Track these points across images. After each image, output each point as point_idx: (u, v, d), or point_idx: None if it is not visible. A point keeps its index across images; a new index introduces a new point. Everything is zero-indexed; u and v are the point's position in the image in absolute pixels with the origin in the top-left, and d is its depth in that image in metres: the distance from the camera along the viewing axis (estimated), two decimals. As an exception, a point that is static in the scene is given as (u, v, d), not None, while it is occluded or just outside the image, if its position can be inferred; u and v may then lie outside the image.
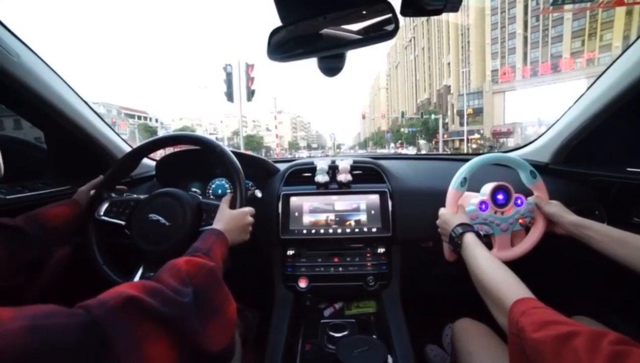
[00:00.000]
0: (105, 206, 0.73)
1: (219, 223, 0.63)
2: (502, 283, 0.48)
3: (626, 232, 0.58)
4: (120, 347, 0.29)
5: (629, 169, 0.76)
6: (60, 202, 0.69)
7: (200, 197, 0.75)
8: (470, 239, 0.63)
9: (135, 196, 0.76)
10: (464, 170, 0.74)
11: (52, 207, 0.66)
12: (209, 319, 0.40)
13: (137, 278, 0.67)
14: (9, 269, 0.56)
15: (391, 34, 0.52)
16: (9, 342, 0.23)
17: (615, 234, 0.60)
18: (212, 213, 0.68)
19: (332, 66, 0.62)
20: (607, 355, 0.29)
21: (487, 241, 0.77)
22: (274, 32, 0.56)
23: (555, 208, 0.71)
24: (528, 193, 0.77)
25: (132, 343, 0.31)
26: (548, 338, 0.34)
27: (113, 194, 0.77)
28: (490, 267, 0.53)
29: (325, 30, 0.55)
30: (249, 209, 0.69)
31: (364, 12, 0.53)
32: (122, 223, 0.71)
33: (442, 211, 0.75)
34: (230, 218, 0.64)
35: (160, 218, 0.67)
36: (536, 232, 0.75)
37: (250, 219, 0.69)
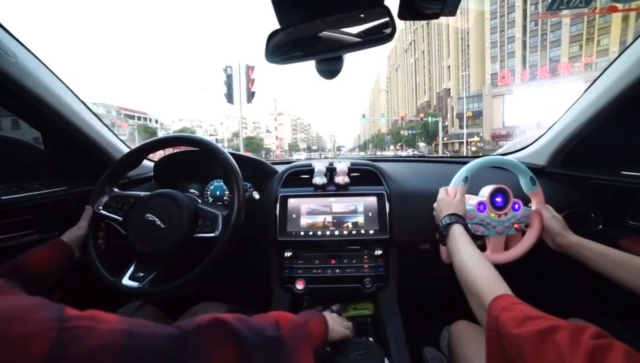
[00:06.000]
0: (105, 199, 0.73)
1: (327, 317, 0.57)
2: (482, 278, 0.48)
3: (626, 254, 0.58)
4: (194, 359, 0.32)
5: (623, 172, 0.76)
6: (45, 244, 0.62)
7: (199, 201, 0.74)
8: (457, 230, 0.62)
9: (135, 192, 0.76)
10: (465, 170, 0.74)
11: (35, 252, 0.60)
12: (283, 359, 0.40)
13: (127, 276, 0.66)
14: None
15: (388, 38, 0.52)
16: (114, 340, 0.28)
17: (614, 255, 0.59)
18: (209, 220, 0.67)
19: (330, 68, 0.63)
20: (588, 349, 0.29)
21: (482, 242, 0.77)
22: (272, 35, 0.56)
23: (556, 224, 0.70)
24: (525, 197, 0.78)
25: (206, 359, 0.33)
26: (529, 333, 0.34)
27: (115, 189, 0.77)
28: (472, 261, 0.53)
29: (323, 33, 0.56)
30: (349, 325, 0.64)
31: (362, 15, 0.54)
32: (120, 218, 0.71)
33: (441, 194, 0.73)
34: (333, 316, 0.61)
35: (157, 219, 0.67)
36: (530, 237, 0.74)
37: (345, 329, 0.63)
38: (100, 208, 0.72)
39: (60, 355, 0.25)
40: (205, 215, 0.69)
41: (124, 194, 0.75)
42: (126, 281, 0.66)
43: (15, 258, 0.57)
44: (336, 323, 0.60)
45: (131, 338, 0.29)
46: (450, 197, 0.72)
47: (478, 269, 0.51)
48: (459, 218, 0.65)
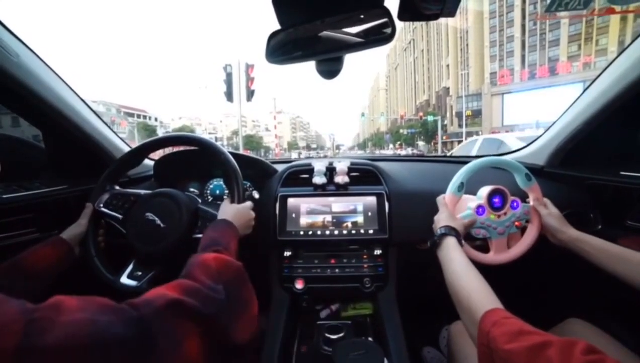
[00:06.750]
0: (105, 197, 0.74)
1: (226, 215, 0.63)
2: (474, 292, 0.48)
3: (625, 249, 0.58)
4: (165, 344, 0.33)
5: (622, 172, 0.77)
6: (45, 242, 0.62)
7: (199, 200, 0.74)
8: (450, 242, 0.62)
9: (136, 191, 0.76)
10: (460, 175, 0.75)
11: (35, 250, 0.60)
12: (239, 314, 0.43)
13: (125, 274, 0.67)
14: None
15: (388, 39, 0.53)
16: (76, 332, 0.28)
17: (613, 250, 0.59)
18: (208, 221, 0.68)
19: (330, 68, 0.63)
20: None
21: (484, 244, 0.78)
22: (273, 35, 0.56)
23: (554, 221, 0.71)
24: (523, 195, 0.78)
25: (174, 341, 0.34)
26: (521, 349, 0.34)
27: (116, 187, 0.77)
28: (464, 273, 0.53)
29: (324, 34, 0.56)
30: (249, 203, 0.72)
31: (362, 16, 0.54)
32: (119, 216, 0.71)
33: (442, 207, 0.74)
34: (236, 211, 0.66)
35: (156, 218, 0.67)
36: (531, 234, 0.75)
37: (253, 214, 0.71)
38: (101, 205, 0.73)
39: (29, 347, 0.25)
40: (205, 216, 0.69)
41: (125, 192, 0.76)
42: (124, 279, 0.66)
43: (15, 257, 0.57)
44: (241, 228, 0.65)
45: (94, 327, 0.29)
46: (449, 208, 0.72)
47: (469, 282, 0.50)
48: (452, 230, 0.65)
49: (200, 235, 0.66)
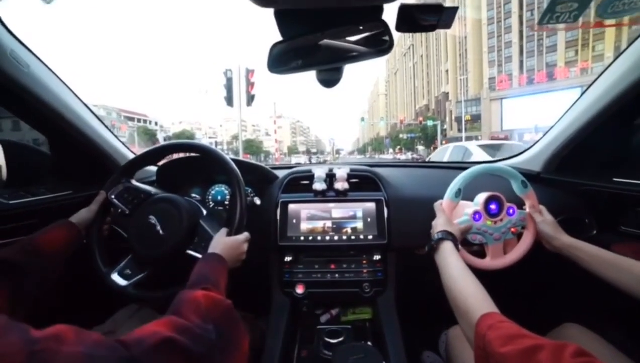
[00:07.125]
0: (120, 188, 0.76)
1: (217, 248, 0.62)
2: (471, 296, 0.49)
3: (618, 256, 0.60)
4: None
5: (615, 179, 0.78)
6: (55, 224, 0.65)
7: (204, 212, 0.75)
8: (447, 247, 0.64)
9: (147, 187, 0.78)
10: (458, 181, 0.76)
11: (47, 232, 0.62)
12: (230, 355, 0.43)
13: (117, 271, 0.69)
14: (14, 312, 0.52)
15: (386, 51, 0.55)
16: None
17: (606, 256, 0.61)
18: (203, 241, 0.68)
19: (330, 77, 0.65)
20: None
21: (481, 249, 0.79)
22: (274, 46, 0.58)
23: (549, 228, 0.72)
24: (519, 201, 0.79)
25: None
26: (514, 352, 0.35)
27: (132, 181, 0.80)
28: (461, 277, 0.54)
29: (324, 44, 0.58)
30: (245, 236, 0.69)
31: (360, 28, 0.56)
32: (127, 210, 0.74)
33: (439, 213, 0.75)
34: (228, 244, 0.64)
35: (158, 224, 0.68)
36: (526, 240, 0.77)
37: (245, 247, 0.69)
38: (113, 196, 0.75)
39: None
40: (203, 235, 0.69)
41: (137, 186, 0.78)
42: (115, 276, 0.68)
43: (31, 235, 0.60)
44: (231, 262, 0.63)
45: (91, 361, 0.29)
46: (447, 214, 0.74)
47: (466, 286, 0.52)
48: (449, 235, 0.67)
49: (193, 253, 0.67)
